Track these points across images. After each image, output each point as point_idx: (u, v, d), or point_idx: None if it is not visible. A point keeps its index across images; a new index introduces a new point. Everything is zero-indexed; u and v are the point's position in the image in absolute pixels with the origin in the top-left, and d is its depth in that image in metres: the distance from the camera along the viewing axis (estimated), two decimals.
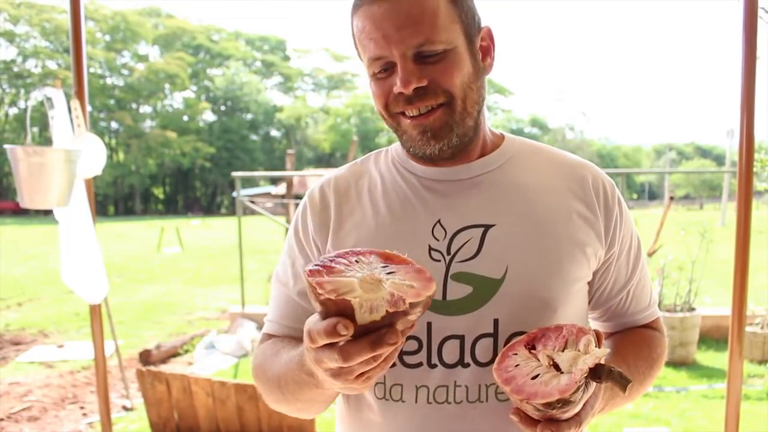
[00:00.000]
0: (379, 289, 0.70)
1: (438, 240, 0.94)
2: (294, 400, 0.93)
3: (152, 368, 4.18)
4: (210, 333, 6.04)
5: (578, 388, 0.75)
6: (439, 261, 0.93)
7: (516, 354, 0.82)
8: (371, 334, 0.67)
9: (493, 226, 0.93)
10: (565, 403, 0.75)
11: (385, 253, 0.77)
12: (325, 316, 0.69)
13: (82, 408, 4.42)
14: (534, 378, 0.78)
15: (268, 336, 1.05)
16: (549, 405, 0.75)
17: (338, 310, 0.68)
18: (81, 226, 2.61)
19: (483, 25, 0.96)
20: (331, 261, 0.74)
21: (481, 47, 0.94)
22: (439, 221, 0.94)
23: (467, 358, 0.91)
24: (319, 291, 0.68)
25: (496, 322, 0.91)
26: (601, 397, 0.84)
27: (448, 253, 0.93)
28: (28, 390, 4.73)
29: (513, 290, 0.91)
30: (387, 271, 0.74)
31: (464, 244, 0.93)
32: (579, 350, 0.79)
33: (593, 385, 0.78)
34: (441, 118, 0.90)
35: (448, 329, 0.91)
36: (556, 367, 0.79)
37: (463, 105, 0.90)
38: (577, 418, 0.78)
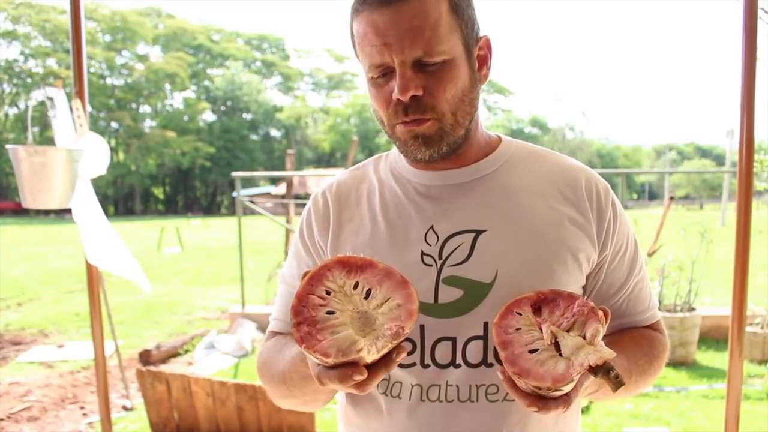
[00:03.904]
0: (374, 323, 0.73)
1: (430, 245, 0.96)
2: (300, 394, 0.98)
3: (152, 368, 4.18)
4: (210, 333, 6.04)
5: (570, 381, 0.73)
6: (431, 266, 0.95)
7: (520, 314, 0.79)
8: (341, 369, 0.72)
9: (484, 231, 0.95)
10: (555, 390, 0.73)
11: (340, 261, 0.77)
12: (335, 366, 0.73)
13: (82, 408, 4.42)
14: (532, 352, 0.75)
15: (273, 334, 1.10)
16: (538, 387, 0.73)
17: (349, 363, 0.71)
18: (101, 224, 2.61)
19: (482, 34, 0.97)
20: (304, 306, 0.74)
21: (478, 56, 0.96)
22: (432, 227, 0.97)
23: (458, 359, 0.93)
24: (327, 360, 0.71)
25: (485, 325, 0.92)
26: (592, 378, 0.82)
27: (440, 257, 0.95)
28: (28, 390, 4.73)
29: (502, 294, 0.91)
30: (364, 294, 0.75)
31: (456, 248, 0.95)
32: (585, 338, 0.76)
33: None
34: (432, 128, 0.92)
35: (440, 331, 0.93)
36: (557, 346, 0.76)
37: (454, 118, 0.92)
38: (566, 398, 0.76)
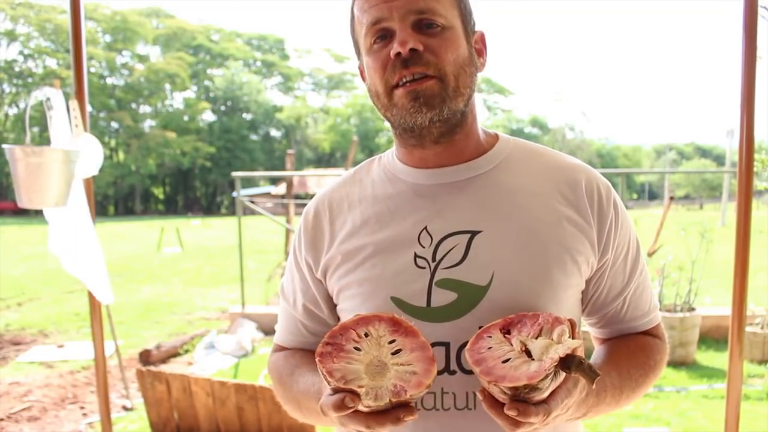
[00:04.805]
0: (384, 375, 0.79)
1: (424, 247, 0.93)
2: (315, 421, 1.02)
3: (152, 368, 4.17)
4: (210, 333, 6.04)
5: (546, 376, 0.74)
6: (424, 268, 0.92)
7: (490, 337, 0.82)
8: (393, 412, 0.76)
9: (479, 232, 0.92)
10: (532, 389, 0.74)
11: (392, 319, 0.83)
12: (334, 392, 0.78)
13: (82, 408, 4.41)
14: (505, 362, 0.77)
15: (280, 347, 1.12)
16: (515, 389, 0.74)
17: (346, 393, 0.77)
18: (81, 226, 2.60)
19: (477, 29, 0.97)
20: (341, 335, 0.82)
21: (474, 48, 0.95)
22: (425, 228, 0.93)
23: (453, 366, 0.90)
24: (329, 379, 0.77)
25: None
26: (577, 395, 0.80)
27: (434, 259, 0.92)
28: (28, 390, 4.73)
29: (499, 297, 0.89)
30: (393, 349, 0.81)
31: (450, 250, 0.92)
32: (552, 339, 0.78)
33: (562, 375, 0.76)
34: (433, 87, 0.88)
35: (432, 336, 0.89)
36: (528, 353, 0.78)
37: (456, 82, 0.90)
38: (546, 406, 0.75)
